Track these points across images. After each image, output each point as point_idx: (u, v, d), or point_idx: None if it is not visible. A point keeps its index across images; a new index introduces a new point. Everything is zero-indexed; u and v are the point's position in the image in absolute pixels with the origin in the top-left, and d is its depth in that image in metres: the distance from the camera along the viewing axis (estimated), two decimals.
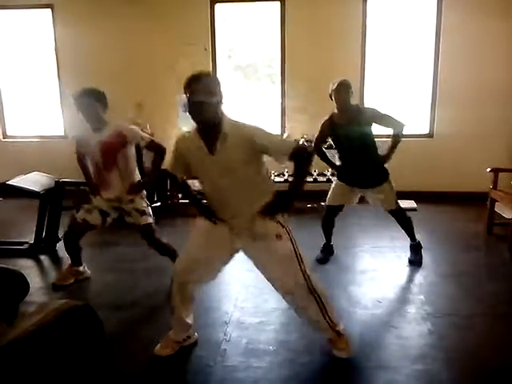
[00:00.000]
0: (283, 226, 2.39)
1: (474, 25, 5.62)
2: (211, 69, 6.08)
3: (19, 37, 6.55)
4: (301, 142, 5.57)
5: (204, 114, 2.20)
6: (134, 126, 3.49)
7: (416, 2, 5.94)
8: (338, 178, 3.89)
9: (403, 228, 3.88)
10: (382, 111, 3.67)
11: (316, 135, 3.84)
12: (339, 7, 5.75)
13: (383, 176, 3.74)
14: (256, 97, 6.44)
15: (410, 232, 3.88)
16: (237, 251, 2.49)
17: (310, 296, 2.38)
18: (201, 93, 2.16)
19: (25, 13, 6.47)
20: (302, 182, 2.44)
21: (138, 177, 3.47)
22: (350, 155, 3.73)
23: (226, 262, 2.54)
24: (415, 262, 3.87)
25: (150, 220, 3.44)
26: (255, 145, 2.23)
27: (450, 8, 5.67)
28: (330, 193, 3.94)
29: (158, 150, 3.39)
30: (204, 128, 2.28)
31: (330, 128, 3.71)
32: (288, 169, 5.73)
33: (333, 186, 3.96)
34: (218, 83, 2.26)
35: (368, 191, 3.80)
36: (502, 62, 5.73)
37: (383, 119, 3.65)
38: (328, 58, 5.80)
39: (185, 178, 2.55)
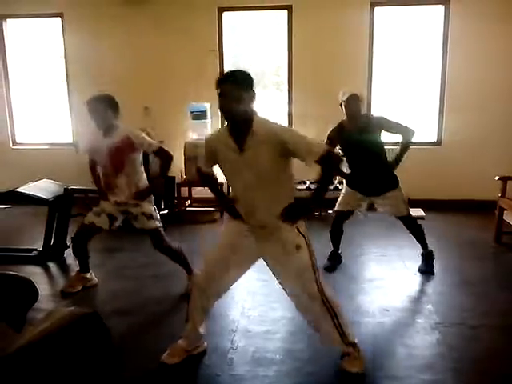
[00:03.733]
0: (303, 236, 2.38)
1: (482, 32, 5.62)
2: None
3: (29, 45, 6.63)
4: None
5: (233, 111, 2.22)
6: (141, 132, 3.51)
7: (423, 9, 5.94)
8: (348, 185, 3.89)
9: (414, 236, 3.85)
10: (391, 119, 3.67)
11: (324, 143, 3.84)
12: (346, 15, 5.77)
13: (393, 183, 3.73)
14: (263, 104, 6.45)
15: (421, 240, 3.85)
16: (257, 259, 2.48)
17: (323, 308, 2.37)
18: (229, 91, 2.20)
19: (35, 22, 6.56)
20: (326, 187, 2.45)
21: (145, 182, 3.49)
22: (360, 163, 3.73)
23: (246, 270, 2.53)
24: (427, 271, 3.83)
25: (158, 224, 3.45)
26: (284, 143, 2.22)
27: (458, 15, 5.67)
28: (339, 199, 3.95)
29: (165, 157, 3.41)
30: (234, 125, 2.30)
31: (340, 136, 3.72)
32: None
33: (342, 192, 3.97)
34: (249, 82, 2.26)
35: (377, 199, 3.79)
36: (509, 69, 5.71)
37: (392, 126, 3.67)
38: (335, 66, 5.81)
39: (212, 171, 2.58)
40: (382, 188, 3.72)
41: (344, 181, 3.97)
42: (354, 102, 3.57)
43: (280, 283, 2.47)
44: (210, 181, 2.67)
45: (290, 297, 2.49)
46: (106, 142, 3.33)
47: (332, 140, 3.76)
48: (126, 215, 3.48)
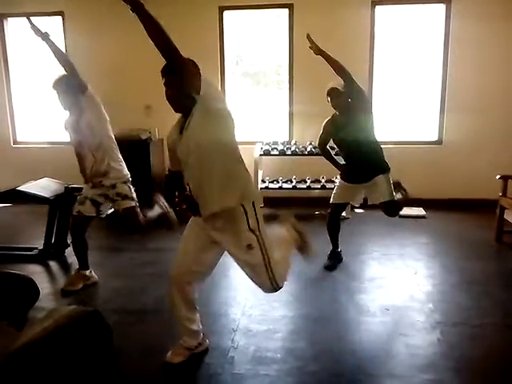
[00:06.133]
0: (253, 233, 2.31)
1: (483, 32, 5.61)
2: (219, 75, 6.11)
3: (30, 44, 6.62)
4: (309, 149, 5.58)
5: (175, 105, 2.27)
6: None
7: (424, 8, 5.94)
8: (342, 178, 3.94)
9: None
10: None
11: (319, 135, 3.95)
12: (347, 14, 5.77)
13: (383, 168, 3.74)
14: (264, 103, 6.46)
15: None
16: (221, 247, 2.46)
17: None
18: (170, 86, 2.23)
19: (36, 20, 6.53)
20: None
21: (113, 151, 3.49)
22: (352, 151, 3.76)
23: (218, 255, 2.51)
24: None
25: (133, 204, 3.45)
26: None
27: (459, 14, 5.66)
28: (334, 192, 4.00)
29: None
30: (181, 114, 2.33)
31: (332, 126, 3.80)
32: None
33: (336, 185, 4.03)
34: (189, 71, 2.19)
35: (367, 185, 3.79)
36: (510, 68, 5.71)
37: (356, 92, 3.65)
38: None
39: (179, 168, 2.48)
40: (372, 173, 3.73)
41: (339, 174, 4.00)
42: (333, 95, 3.65)
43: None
44: (178, 180, 2.54)
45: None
46: (70, 121, 3.40)
47: (326, 131, 3.86)
48: (107, 199, 3.50)
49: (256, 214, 2.33)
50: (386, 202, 3.71)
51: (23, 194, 4.16)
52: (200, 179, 2.31)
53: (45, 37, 3.29)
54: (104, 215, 3.57)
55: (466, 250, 4.40)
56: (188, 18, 5.96)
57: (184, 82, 2.20)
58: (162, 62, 2.21)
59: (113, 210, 3.54)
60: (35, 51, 6.63)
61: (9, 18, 6.55)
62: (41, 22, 6.47)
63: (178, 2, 5.96)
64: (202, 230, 2.43)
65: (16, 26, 6.60)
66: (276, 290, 2.43)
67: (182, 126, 2.29)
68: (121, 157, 3.56)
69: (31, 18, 3.47)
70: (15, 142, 6.81)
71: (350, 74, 3.53)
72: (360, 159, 3.74)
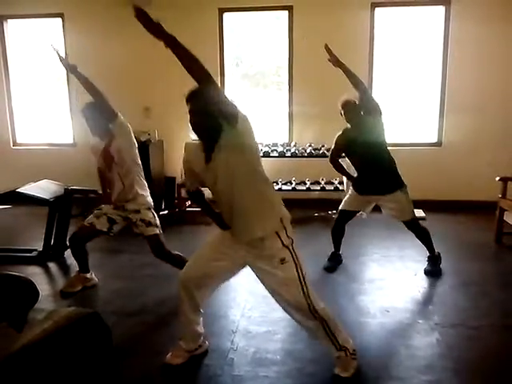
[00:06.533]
0: (288, 248, 2.31)
1: (482, 34, 5.62)
2: (219, 76, 6.11)
3: (30, 46, 6.64)
4: (308, 150, 5.58)
5: (200, 132, 2.22)
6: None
7: (424, 10, 5.95)
8: (354, 189, 3.90)
9: (420, 240, 3.84)
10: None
11: (331, 149, 3.94)
12: (347, 16, 5.78)
13: (398, 183, 3.72)
14: (264, 104, 6.46)
15: (427, 243, 3.84)
16: (245, 265, 2.46)
17: (315, 321, 2.34)
18: (197, 113, 2.17)
19: (36, 22, 6.57)
20: None
21: (140, 178, 3.49)
22: (365, 165, 3.75)
23: (234, 274, 2.53)
24: (433, 272, 3.82)
25: (157, 231, 3.44)
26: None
27: (458, 17, 5.68)
28: (345, 199, 3.98)
29: None
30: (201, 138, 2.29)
31: (345, 141, 3.78)
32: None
33: (349, 193, 3.98)
34: (218, 98, 2.10)
35: (382, 199, 3.78)
36: (510, 70, 5.72)
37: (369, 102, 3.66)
38: (335, 68, 5.80)
39: (199, 187, 2.51)
40: (388, 187, 3.71)
41: (351, 185, 3.97)
42: (349, 108, 3.64)
43: (272, 295, 2.44)
44: (200, 199, 2.56)
45: (283, 309, 2.45)
46: (101, 145, 3.38)
47: (338, 146, 3.84)
48: (126, 221, 3.49)
49: (286, 231, 2.32)
50: (408, 221, 3.73)
51: (23, 196, 4.16)
52: (232, 205, 2.28)
53: (73, 69, 3.30)
54: (113, 234, 3.55)
55: (465, 251, 4.41)
56: (188, 20, 5.96)
57: (213, 110, 2.11)
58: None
59: (136, 233, 3.51)
60: (35, 53, 6.65)
61: (9, 20, 6.54)
62: (41, 23, 6.55)
63: (178, 4, 5.98)
64: (226, 244, 2.41)
65: (16, 28, 6.60)
66: (312, 313, 2.32)
67: (206, 153, 2.23)
68: (146, 184, 3.54)
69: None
70: (15, 144, 6.82)
71: (368, 89, 3.54)
72: (373, 172, 3.71)
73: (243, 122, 2.14)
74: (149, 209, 3.47)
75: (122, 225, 3.53)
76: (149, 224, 3.41)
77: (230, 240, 2.41)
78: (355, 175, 3.91)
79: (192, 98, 2.18)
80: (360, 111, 3.65)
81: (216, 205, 2.45)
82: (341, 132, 3.82)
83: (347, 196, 3.97)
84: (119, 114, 3.35)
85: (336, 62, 3.57)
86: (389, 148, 3.75)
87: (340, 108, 3.68)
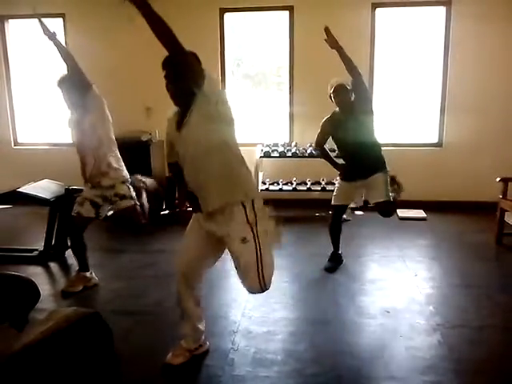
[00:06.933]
0: (251, 227, 2.27)
1: (483, 34, 5.62)
2: (220, 77, 6.11)
3: (31, 46, 6.64)
4: (309, 150, 5.58)
5: (174, 97, 2.29)
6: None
7: (425, 11, 5.94)
8: (341, 178, 3.93)
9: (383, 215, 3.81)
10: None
11: (317, 134, 3.95)
12: (348, 16, 5.77)
13: (379, 166, 3.73)
14: (264, 104, 6.47)
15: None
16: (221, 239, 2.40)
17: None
18: (169, 78, 2.25)
19: (36, 22, 6.55)
20: None
21: (115, 152, 3.49)
22: (351, 149, 3.76)
23: (220, 250, 2.50)
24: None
25: (132, 203, 3.45)
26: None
27: (459, 17, 5.67)
28: (334, 193, 3.99)
29: None
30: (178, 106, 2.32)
31: (331, 125, 3.81)
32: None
33: (336, 186, 4.02)
34: (191, 64, 2.18)
35: (366, 184, 3.78)
36: (511, 70, 5.71)
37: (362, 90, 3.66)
38: (336, 67, 5.73)
39: (178, 160, 2.44)
40: (370, 170, 3.72)
41: (338, 174, 3.99)
42: (341, 91, 3.65)
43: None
44: (178, 172, 2.48)
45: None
46: (73, 119, 3.42)
47: (325, 130, 3.86)
48: (106, 201, 3.51)
49: (255, 212, 2.29)
50: (381, 202, 3.71)
51: (23, 196, 4.17)
52: (198, 175, 2.29)
53: (52, 36, 3.31)
54: (102, 217, 3.56)
55: (466, 252, 4.40)
56: (189, 20, 5.95)
57: (185, 75, 2.18)
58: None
59: (112, 212, 3.54)
60: (36, 53, 6.65)
61: (9, 20, 6.55)
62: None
63: (179, 4, 5.96)
64: (202, 228, 2.42)
65: (17, 28, 6.60)
66: (262, 291, 2.34)
67: (179, 121, 2.28)
68: (121, 158, 3.56)
69: (33, 18, 3.46)
70: (16, 144, 6.82)
71: (361, 75, 3.55)
72: (359, 156, 3.73)
73: (210, 83, 2.17)
74: (123, 182, 3.49)
75: (106, 207, 3.55)
76: (123, 197, 3.44)
77: (201, 218, 2.40)
78: (341, 162, 3.93)
79: (165, 65, 2.27)
80: (351, 96, 3.67)
81: (187, 182, 2.40)
82: (329, 116, 3.83)
83: (335, 190, 3.99)
84: (94, 86, 3.35)
85: (334, 43, 3.56)
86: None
87: (330, 91, 3.69)
